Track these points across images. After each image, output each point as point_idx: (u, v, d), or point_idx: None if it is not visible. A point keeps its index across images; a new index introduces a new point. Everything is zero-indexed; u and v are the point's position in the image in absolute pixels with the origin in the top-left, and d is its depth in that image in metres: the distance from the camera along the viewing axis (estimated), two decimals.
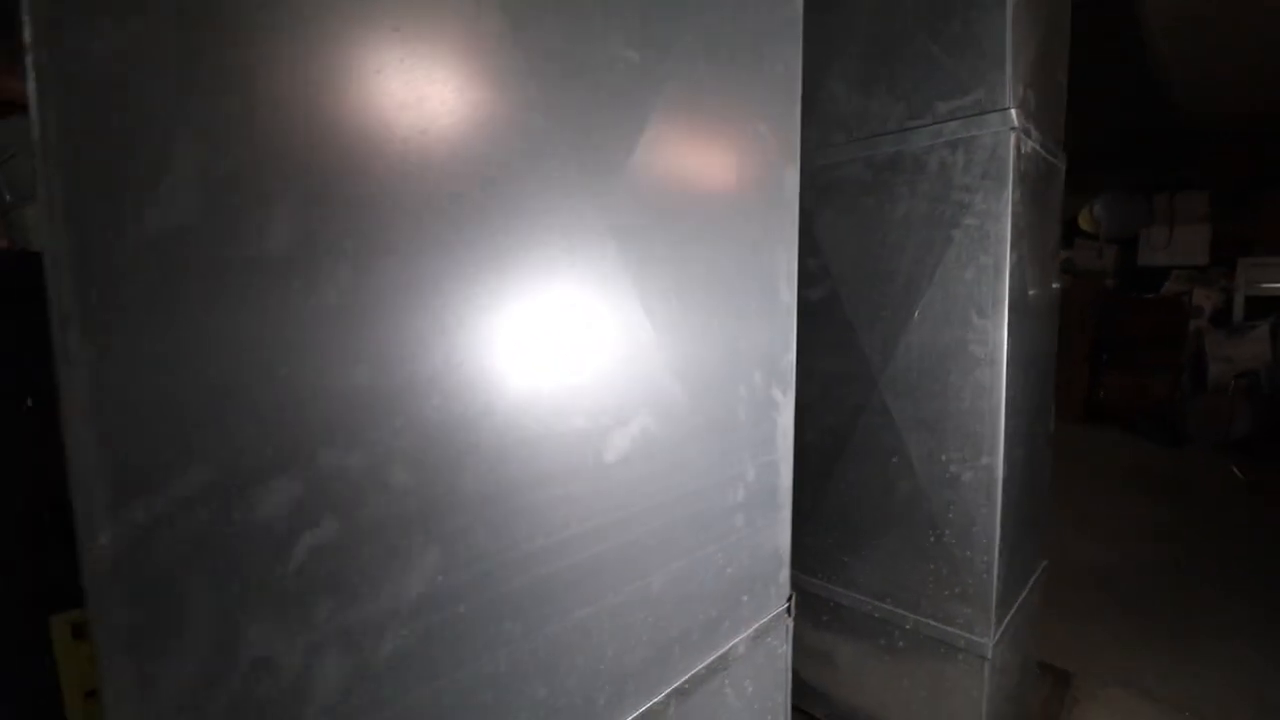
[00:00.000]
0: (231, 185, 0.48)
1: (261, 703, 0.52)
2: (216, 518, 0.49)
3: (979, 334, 1.63)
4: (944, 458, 1.71)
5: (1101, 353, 5.79)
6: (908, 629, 1.83)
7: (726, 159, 0.95)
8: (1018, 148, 1.56)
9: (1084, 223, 6.43)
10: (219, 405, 0.49)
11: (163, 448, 0.46)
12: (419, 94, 0.58)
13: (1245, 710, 2.11)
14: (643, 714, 0.88)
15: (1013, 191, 1.56)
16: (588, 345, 0.76)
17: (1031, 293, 1.75)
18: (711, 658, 1.00)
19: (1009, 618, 1.78)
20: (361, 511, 0.57)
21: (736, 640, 1.05)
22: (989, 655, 1.69)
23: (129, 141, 0.44)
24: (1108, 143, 5.49)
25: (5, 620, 0.86)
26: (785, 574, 1.17)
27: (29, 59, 0.40)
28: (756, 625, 1.10)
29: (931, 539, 1.75)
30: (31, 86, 0.41)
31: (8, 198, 1.12)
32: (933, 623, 1.78)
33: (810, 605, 2.02)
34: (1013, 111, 1.53)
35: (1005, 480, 1.65)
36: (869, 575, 1.89)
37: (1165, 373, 5.40)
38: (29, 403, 0.85)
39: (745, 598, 1.07)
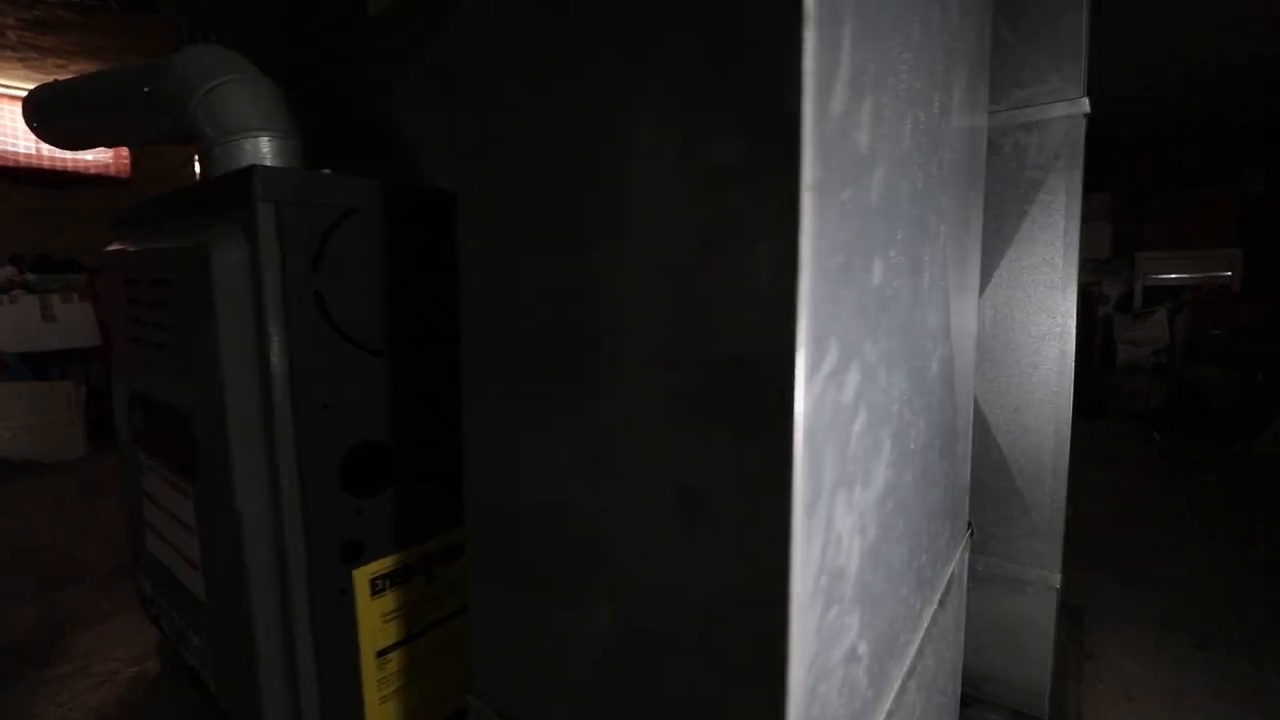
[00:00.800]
0: None
1: (837, 575, 0.56)
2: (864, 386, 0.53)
3: (1050, 301, 1.83)
4: (1015, 410, 1.90)
5: None
6: (978, 570, 2.01)
7: (975, 122, 1.05)
8: (1085, 132, 1.77)
9: None
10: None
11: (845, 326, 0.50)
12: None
13: (1233, 623, 2.47)
14: (931, 620, 0.96)
15: (1082, 173, 1.76)
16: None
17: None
18: (949, 572, 1.09)
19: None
20: (875, 399, 0.62)
21: (955, 557, 1.15)
22: (1058, 585, 1.90)
23: None
24: None
25: (321, 573, 0.82)
26: (967, 502, 1.28)
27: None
28: (960, 546, 1.21)
29: (1003, 485, 1.94)
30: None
31: (209, 132, 1.04)
32: (1004, 561, 1.96)
33: None
34: (1085, 99, 1.73)
35: (1070, 427, 1.85)
36: None
37: (1082, 353, 6.05)
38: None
39: (955, 521, 1.17)
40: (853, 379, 0.56)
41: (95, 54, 4.26)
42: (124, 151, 5.62)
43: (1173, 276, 6.14)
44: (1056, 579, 1.89)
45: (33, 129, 1.54)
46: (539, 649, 0.72)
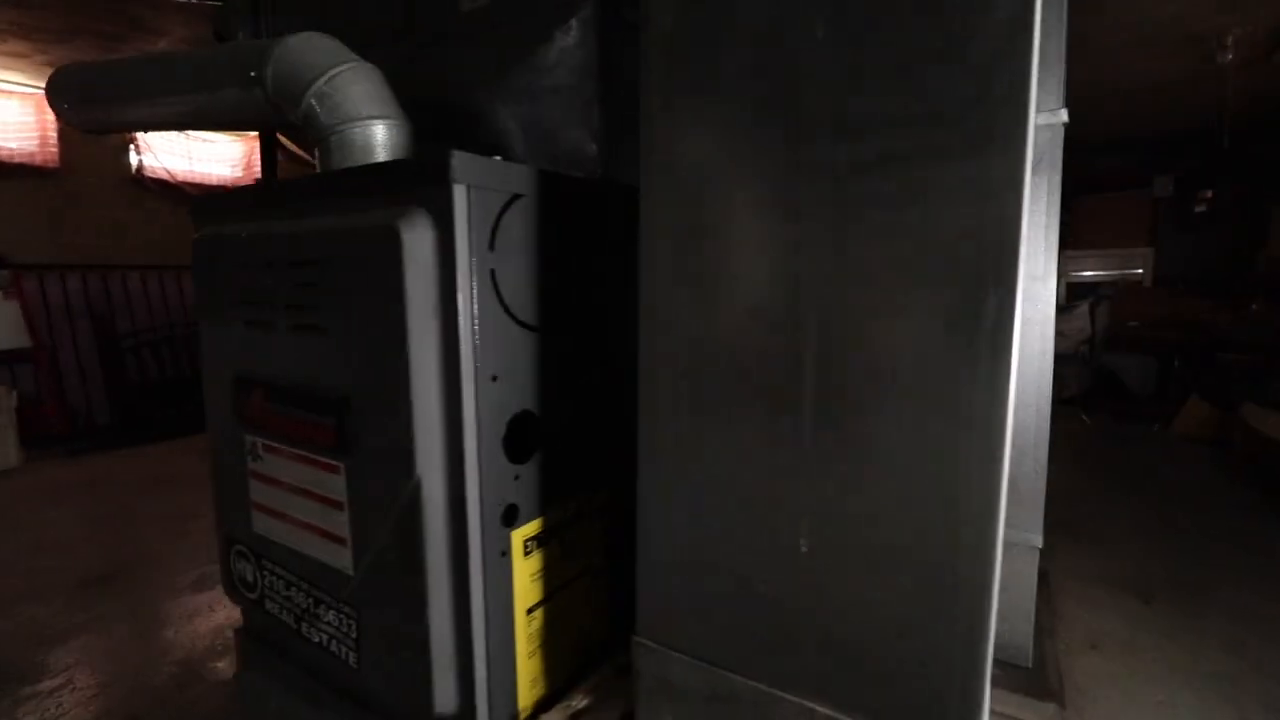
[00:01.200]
0: None
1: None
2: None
3: (1034, 290, 2.04)
4: None
5: None
6: None
7: None
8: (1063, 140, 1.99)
9: None
10: None
11: None
12: None
13: (1169, 579, 2.79)
14: None
15: (1060, 176, 1.98)
16: None
17: None
18: None
19: None
20: None
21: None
22: (1040, 545, 2.11)
23: None
24: None
25: (489, 535, 0.87)
26: None
27: None
28: None
29: None
30: None
31: (324, 120, 1.06)
32: None
33: None
34: (1064, 110, 1.94)
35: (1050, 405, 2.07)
36: None
37: None
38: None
39: None
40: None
41: (28, 34, 3.96)
42: (51, 140, 5.23)
43: (1090, 274, 6.74)
44: (1039, 540, 2.11)
45: (60, 109, 1.49)
46: (706, 600, 0.81)
